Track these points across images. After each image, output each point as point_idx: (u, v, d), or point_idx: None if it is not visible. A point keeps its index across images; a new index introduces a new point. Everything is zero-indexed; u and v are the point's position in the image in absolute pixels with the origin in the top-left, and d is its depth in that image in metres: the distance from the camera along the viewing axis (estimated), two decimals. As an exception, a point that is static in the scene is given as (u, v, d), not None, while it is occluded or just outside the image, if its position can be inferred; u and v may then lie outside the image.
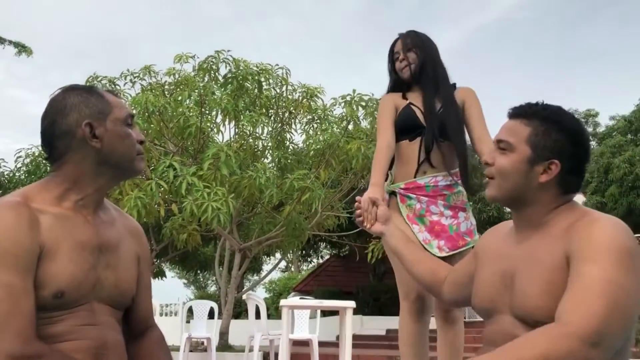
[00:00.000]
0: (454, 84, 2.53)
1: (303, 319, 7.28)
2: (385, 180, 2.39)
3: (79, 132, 1.31)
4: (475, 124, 2.45)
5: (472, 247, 2.29)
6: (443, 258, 2.24)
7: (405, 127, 2.39)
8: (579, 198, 15.89)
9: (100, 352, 1.26)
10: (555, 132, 1.30)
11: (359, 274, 17.16)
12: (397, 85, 2.54)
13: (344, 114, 8.22)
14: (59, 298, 1.21)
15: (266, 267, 19.55)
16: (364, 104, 8.05)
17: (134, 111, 7.45)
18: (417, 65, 2.44)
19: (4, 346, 1.10)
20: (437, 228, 2.32)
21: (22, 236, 1.18)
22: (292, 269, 25.71)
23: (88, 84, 8.13)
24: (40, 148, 10.51)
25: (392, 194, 2.40)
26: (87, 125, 1.31)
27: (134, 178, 7.60)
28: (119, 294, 1.36)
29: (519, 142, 1.32)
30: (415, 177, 2.36)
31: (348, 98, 8.02)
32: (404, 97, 2.47)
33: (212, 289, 24.75)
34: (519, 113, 1.35)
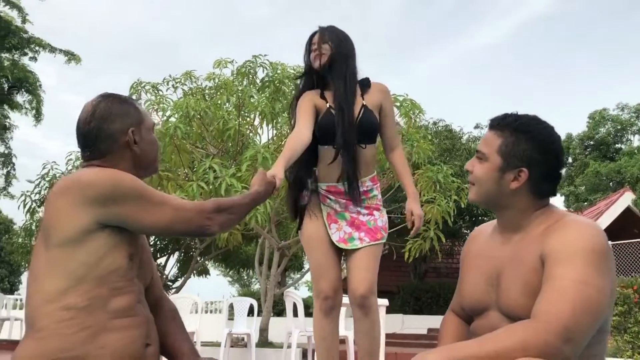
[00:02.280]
0: (368, 80, 2.57)
1: (340, 317, 7.39)
2: (311, 177, 2.53)
3: (123, 138, 1.54)
4: (389, 130, 2.60)
5: (383, 242, 2.48)
6: (361, 248, 2.41)
7: (328, 135, 2.44)
8: (628, 196, 15.40)
9: (149, 328, 1.48)
10: (523, 142, 1.40)
11: (400, 273, 17.14)
12: (310, 76, 2.58)
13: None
14: (130, 260, 1.46)
15: (307, 266, 19.79)
16: (398, 104, 8.11)
17: (176, 115, 7.75)
18: (328, 57, 2.47)
19: (199, 211, 1.51)
20: (357, 222, 2.46)
21: None
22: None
23: (132, 89, 8.48)
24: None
25: (314, 191, 2.53)
26: (132, 132, 1.55)
27: (176, 180, 7.90)
28: (148, 271, 1.60)
29: (492, 152, 1.44)
30: (337, 182, 2.46)
31: (383, 99, 8.09)
32: (322, 97, 2.50)
33: (256, 286, 25.17)
34: (494, 125, 1.47)
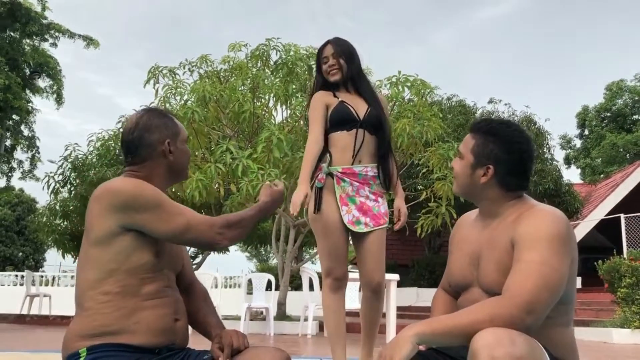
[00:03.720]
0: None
1: (353, 291, 7.68)
2: (324, 163, 2.84)
3: (160, 147, 1.77)
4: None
5: (386, 227, 2.78)
6: (370, 232, 2.74)
7: (341, 120, 2.80)
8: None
9: (177, 307, 1.71)
10: (491, 143, 1.64)
11: (414, 248, 17.42)
12: (324, 85, 2.91)
13: (389, 95, 8.44)
14: (157, 257, 1.67)
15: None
16: (409, 84, 8.25)
17: (193, 98, 7.98)
18: (348, 72, 2.86)
19: (210, 225, 1.64)
20: (364, 207, 2.78)
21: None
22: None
23: (150, 74, 8.71)
24: (109, 132, 11.30)
25: (329, 174, 2.81)
26: (168, 143, 1.77)
27: (195, 161, 8.17)
28: (178, 261, 1.83)
29: (467, 151, 1.68)
30: (352, 164, 2.78)
31: (394, 79, 8.25)
32: (335, 96, 2.86)
33: (273, 261, 25.67)
34: (472, 128, 1.72)
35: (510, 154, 1.63)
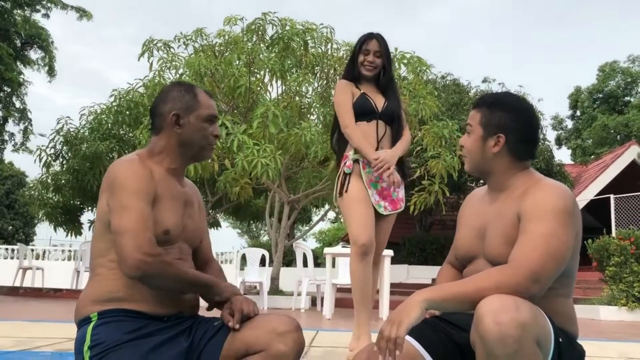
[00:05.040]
0: None
1: (346, 266, 7.77)
2: (349, 151, 3.08)
3: (169, 118, 1.75)
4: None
5: (401, 211, 3.08)
6: (386, 215, 3.05)
7: (363, 112, 3.08)
8: (634, 149, 15.55)
9: None
10: (498, 112, 1.67)
11: (405, 225, 17.52)
12: (354, 74, 3.12)
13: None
14: (166, 235, 1.67)
15: (316, 218, 20.24)
16: (405, 61, 8.23)
17: (188, 72, 7.92)
18: (386, 73, 3.12)
19: (139, 245, 1.54)
20: (385, 193, 3.05)
21: (147, 180, 1.65)
22: (342, 219, 26.28)
23: (145, 47, 8.63)
24: (101, 106, 11.21)
25: (356, 161, 3.07)
26: (175, 115, 1.76)
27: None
28: (195, 236, 1.84)
29: (475, 125, 1.71)
30: (376, 150, 3.04)
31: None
32: (357, 87, 3.11)
33: (264, 238, 25.78)
34: (475, 104, 1.74)
35: (518, 121, 1.66)
